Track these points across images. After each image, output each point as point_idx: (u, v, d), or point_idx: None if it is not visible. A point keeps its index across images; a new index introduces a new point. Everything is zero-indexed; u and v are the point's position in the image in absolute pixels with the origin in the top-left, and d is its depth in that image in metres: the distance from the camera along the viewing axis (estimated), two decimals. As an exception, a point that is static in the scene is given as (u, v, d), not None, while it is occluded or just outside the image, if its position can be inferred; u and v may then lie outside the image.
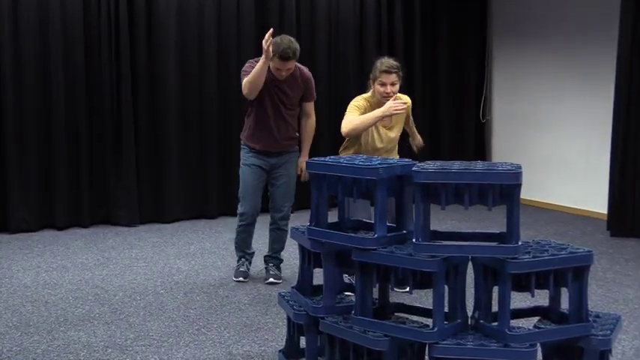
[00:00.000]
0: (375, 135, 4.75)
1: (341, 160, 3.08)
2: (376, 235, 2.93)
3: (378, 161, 3.05)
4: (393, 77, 4.64)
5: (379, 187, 2.91)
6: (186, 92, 7.30)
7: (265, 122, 4.94)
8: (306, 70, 5.08)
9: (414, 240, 2.83)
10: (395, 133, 4.84)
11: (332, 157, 3.22)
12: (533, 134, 8.28)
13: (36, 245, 6.23)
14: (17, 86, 6.62)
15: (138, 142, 7.11)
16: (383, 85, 4.65)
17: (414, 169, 2.84)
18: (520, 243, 2.80)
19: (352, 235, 3.07)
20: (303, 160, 5.08)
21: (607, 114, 6.96)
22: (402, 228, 3.07)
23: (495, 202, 2.80)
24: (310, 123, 5.20)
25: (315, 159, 3.16)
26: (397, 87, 4.68)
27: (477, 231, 3.21)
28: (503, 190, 2.79)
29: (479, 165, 2.94)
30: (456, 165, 2.91)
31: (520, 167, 2.90)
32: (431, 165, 2.88)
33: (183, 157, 7.32)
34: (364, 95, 4.84)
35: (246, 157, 5.09)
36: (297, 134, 5.14)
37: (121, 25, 6.89)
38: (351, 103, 4.78)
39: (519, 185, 2.81)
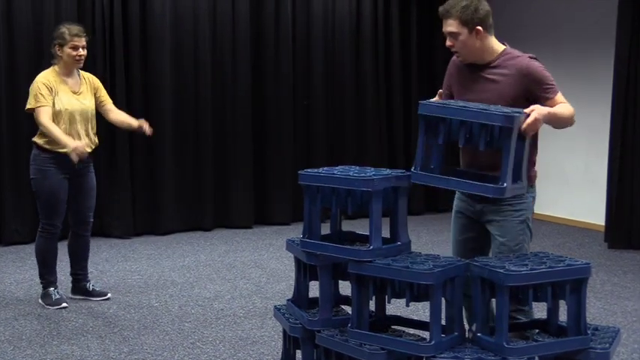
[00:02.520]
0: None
1: (335, 172, 3.04)
2: (371, 247, 2.90)
3: (372, 172, 3.03)
4: (83, 41, 4.73)
5: (374, 198, 2.88)
6: (180, 103, 7.28)
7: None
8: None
9: (412, 169, 2.95)
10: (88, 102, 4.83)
11: (325, 168, 3.19)
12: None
13: (29, 257, 6.17)
14: (10, 98, 6.57)
15: (132, 154, 7.08)
16: (75, 48, 4.69)
17: (420, 102, 2.95)
18: (505, 185, 2.83)
19: (347, 247, 3.04)
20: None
21: (604, 125, 6.96)
22: (397, 240, 3.04)
23: (489, 143, 2.86)
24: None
25: (309, 170, 3.12)
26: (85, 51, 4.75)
27: (471, 170, 3.17)
28: (496, 131, 2.84)
29: (480, 105, 2.97)
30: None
31: (520, 112, 2.92)
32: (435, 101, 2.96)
33: (177, 168, 7.29)
34: (47, 73, 4.74)
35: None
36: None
37: (115, 36, 6.87)
38: (37, 90, 4.65)
39: (511, 129, 2.82)
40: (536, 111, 2.96)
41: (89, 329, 4.40)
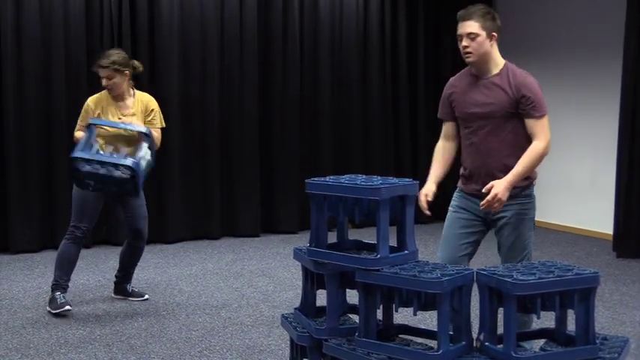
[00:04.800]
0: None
1: (342, 181, 3.05)
2: (378, 256, 2.90)
3: (380, 181, 3.03)
4: (102, 72, 4.78)
5: (381, 207, 2.89)
6: (188, 112, 7.30)
7: None
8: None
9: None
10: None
11: (332, 177, 3.19)
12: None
13: (37, 266, 6.20)
14: (18, 108, 6.62)
15: (140, 163, 7.10)
16: (100, 78, 4.82)
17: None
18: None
19: (354, 255, 3.03)
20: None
21: (612, 134, 6.94)
22: (404, 248, 3.04)
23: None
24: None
25: (316, 179, 3.13)
26: (112, 81, 4.77)
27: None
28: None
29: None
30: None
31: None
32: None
33: (185, 177, 7.31)
34: (100, 93, 4.92)
35: None
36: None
37: (123, 44, 6.90)
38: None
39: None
40: (495, 188, 3.19)
41: (96, 337, 4.40)
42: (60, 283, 4.87)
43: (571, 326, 2.94)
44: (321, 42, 7.84)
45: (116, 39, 6.90)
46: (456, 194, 3.69)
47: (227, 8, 7.38)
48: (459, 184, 3.68)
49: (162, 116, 5.01)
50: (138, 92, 4.96)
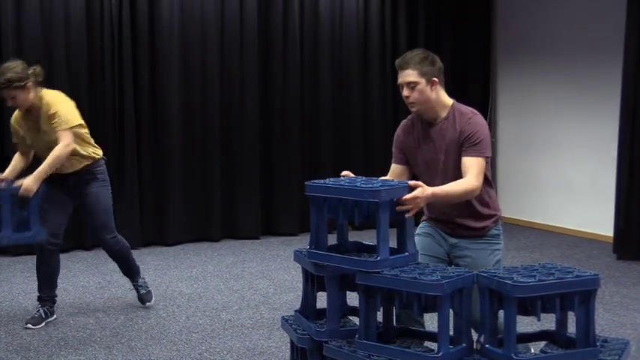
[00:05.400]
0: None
1: (342, 183, 3.05)
2: (379, 258, 2.90)
3: (379, 183, 3.03)
4: (5, 92, 4.41)
5: (381, 209, 2.88)
6: (188, 115, 7.31)
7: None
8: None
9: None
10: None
11: (331, 179, 3.19)
12: (538, 156, 8.25)
13: (38, 268, 6.19)
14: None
15: (140, 165, 7.11)
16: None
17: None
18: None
19: (354, 257, 3.03)
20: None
21: (612, 135, 6.94)
22: (404, 250, 3.04)
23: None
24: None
25: (315, 181, 3.12)
26: (15, 100, 4.42)
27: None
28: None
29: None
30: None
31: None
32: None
33: (185, 179, 7.31)
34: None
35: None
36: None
37: (124, 46, 6.91)
38: None
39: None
40: (419, 189, 2.96)
41: (96, 340, 4.40)
42: (40, 296, 4.78)
43: (571, 328, 2.94)
44: (321, 44, 7.85)
45: (116, 40, 6.90)
46: (421, 224, 3.58)
47: (227, 10, 7.38)
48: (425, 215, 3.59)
49: (69, 113, 4.48)
50: (44, 96, 4.51)
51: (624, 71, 6.64)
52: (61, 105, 4.50)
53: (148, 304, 5.07)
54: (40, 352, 4.19)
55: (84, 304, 5.15)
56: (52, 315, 4.76)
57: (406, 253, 3.02)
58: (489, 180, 3.40)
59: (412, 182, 3.00)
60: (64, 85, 6.72)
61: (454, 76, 8.81)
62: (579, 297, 2.77)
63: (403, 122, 3.52)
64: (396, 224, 3.06)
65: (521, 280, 2.70)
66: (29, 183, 4.32)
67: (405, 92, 3.31)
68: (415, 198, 2.94)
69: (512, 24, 8.49)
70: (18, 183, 4.38)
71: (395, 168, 3.56)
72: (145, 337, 4.44)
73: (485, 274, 2.84)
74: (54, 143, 4.42)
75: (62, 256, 6.53)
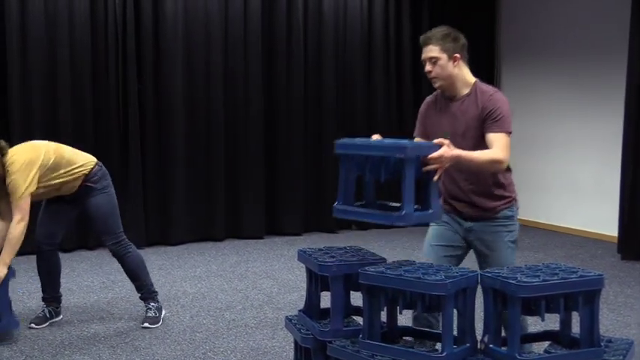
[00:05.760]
0: None
1: (370, 142, 3.09)
2: (404, 212, 2.90)
3: (407, 141, 3.06)
4: None
5: (407, 165, 2.89)
6: (192, 115, 7.32)
7: None
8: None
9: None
10: None
11: (360, 139, 3.23)
12: (542, 156, 8.24)
13: (42, 268, 6.20)
14: (24, 110, 6.64)
15: (144, 165, 7.12)
16: None
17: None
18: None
19: (379, 212, 3.04)
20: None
21: (617, 135, 6.93)
22: (429, 207, 3.04)
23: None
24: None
25: (345, 140, 3.16)
26: None
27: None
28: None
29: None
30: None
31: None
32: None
33: (189, 179, 7.32)
34: None
35: None
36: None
37: (128, 46, 6.93)
38: None
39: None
40: (444, 148, 2.99)
41: (101, 339, 4.40)
42: (44, 297, 4.78)
43: (575, 328, 2.93)
44: (325, 44, 7.85)
45: (121, 40, 6.92)
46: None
47: (231, 10, 7.39)
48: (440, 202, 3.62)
49: (19, 180, 4.25)
50: (7, 165, 4.30)
51: (628, 71, 6.63)
52: (17, 174, 4.27)
53: (146, 324, 4.65)
54: (44, 351, 4.19)
55: (88, 304, 5.16)
56: (57, 315, 4.76)
57: (430, 211, 3.03)
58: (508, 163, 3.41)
59: (438, 140, 3.02)
60: (67, 85, 6.76)
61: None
62: (583, 297, 2.77)
63: (428, 98, 3.57)
64: (421, 184, 3.07)
65: (526, 280, 2.70)
66: None
67: (428, 67, 3.39)
68: (440, 156, 2.96)
69: (516, 24, 8.48)
70: None
71: (416, 140, 3.60)
72: (148, 337, 4.45)
73: (489, 274, 2.84)
74: (61, 185, 4.45)
75: (66, 256, 6.59)
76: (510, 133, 3.30)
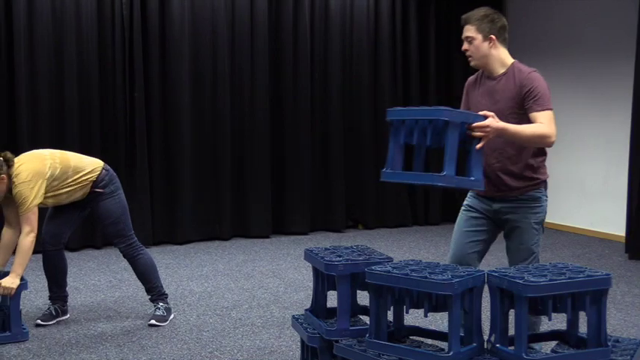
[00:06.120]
0: None
1: (421, 108, 3.22)
2: (444, 173, 3.01)
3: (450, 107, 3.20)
4: None
5: (450, 128, 3.00)
6: (199, 114, 7.32)
7: None
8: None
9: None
10: None
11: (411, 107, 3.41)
12: (550, 156, 8.14)
13: (49, 266, 6.22)
14: (32, 110, 6.66)
15: (151, 164, 7.13)
16: None
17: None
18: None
19: (425, 174, 3.16)
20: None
21: (624, 135, 6.91)
22: (470, 175, 3.16)
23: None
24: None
25: (395, 108, 3.27)
26: None
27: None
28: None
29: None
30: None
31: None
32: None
33: (196, 178, 7.33)
34: None
35: None
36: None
37: (135, 47, 6.94)
38: None
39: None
40: (491, 119, 3.14)
41: (108, 338, 4.41)
42: (51, 295, 4.80)
43: (583, 328, 2.93)
44: (331, 46, 7.85)
45: (127, 40, 6.93)
46: (468, 195, 3.72)
47: (237, 10, 7.40)
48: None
49: (25, 191, 4.27)
50: (14, 176, 4.33)
51: (636, 70, 6.60)
52: (23, 185, 4.28)
53: (153, 321, 4.66)
54: (51, 349, 4.20)
55: (95, 303, 5.17)
56: (64, 314, 4.77)
57: (472, 178, 3.14)
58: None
59: (484, 112, 3.16)
60: (74, 84, 6.77)
61: (465, 75, 8.79)
62: (591, 297, 2.76)
63: (471, 77, 3.71)
64: (465, 152, 3.16)
65: (533, 279, 2.70)
66: (8, 284, 4.26)
67: (465, 46, 3.53)
68: (486, 126, 3.10)
69: (524, 24, 8.45)
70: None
71: None
72: (155, 336, 4.46)
73: (495, 274, 2.83)
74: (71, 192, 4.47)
75: (73, 255, 6.62)
76: (551, 109, 3.38)
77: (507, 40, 3.57)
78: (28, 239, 4.31)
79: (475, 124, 3.09)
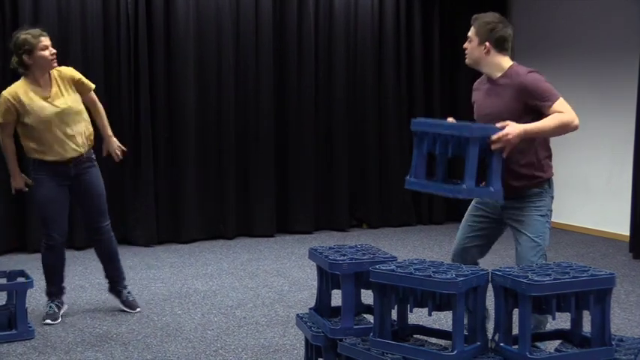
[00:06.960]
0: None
1: (442, 122, 3.34)
2: (465, 186, 3.14)
3: (474, 123, 3.34)
4: (49, 39, 4.53)
5: (471, 143, 3.12)
6: (204, 114, 7.33)
7: None
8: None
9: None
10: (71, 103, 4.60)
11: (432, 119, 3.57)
12: (553, 154, 8.20)
13: (54, 265, 6.23)
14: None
15: (156, 163, 7.14)
16: (46, 48, 4.49)
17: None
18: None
19: (447, 185, 3.26)
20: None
21: (629, 135, 6.90)
22: (490, 185, 3.26)
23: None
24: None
25: (420, 119, 3.39)
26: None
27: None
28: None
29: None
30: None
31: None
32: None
33: (200, 177, 7.34)
34: (14, 86, 4.52)
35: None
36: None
37: (140, 45, 6.95)
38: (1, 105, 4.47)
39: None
40: (508, 127, 3.26)
41: (113, 336, 4.43)
42: (49, 291, 4.81)
43: (587, 327, 2.93)
44: (336, 45, 7.84)
45: (132, 39, 6.94)
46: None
47: (242, 8, 7.40)
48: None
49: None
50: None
51: (640, 69, 6.60)
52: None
53: (138, 309, 4.88)
54: (57, 348, 4.22)
55: (100, 301, 5.18)
56: (63, 305, 4.83)
57: (491, 189, 3.26)
58: (547, 143, 3.68)
59: (501, 123, 3.28)
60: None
61: (469, 73, 8.78)
62: (595, 296, 2.77)
63: (481, 77, 3.81)
64: (485, 163, 3.28)
65: (537, 278, 2.71)
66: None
67: (465, 43, 3.70)
68: (506, 135, 3.22)
69: (527, 22, 8.45)
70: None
71: None
72: (160, 334, 4.47)
73: (499, 273, 2.84)
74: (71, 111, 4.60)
75: (78, 254, 6.65)
76: (560, 96, 3.53)
77: (510, 49, 3.66)
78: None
79: (494, 137, 3.21)
